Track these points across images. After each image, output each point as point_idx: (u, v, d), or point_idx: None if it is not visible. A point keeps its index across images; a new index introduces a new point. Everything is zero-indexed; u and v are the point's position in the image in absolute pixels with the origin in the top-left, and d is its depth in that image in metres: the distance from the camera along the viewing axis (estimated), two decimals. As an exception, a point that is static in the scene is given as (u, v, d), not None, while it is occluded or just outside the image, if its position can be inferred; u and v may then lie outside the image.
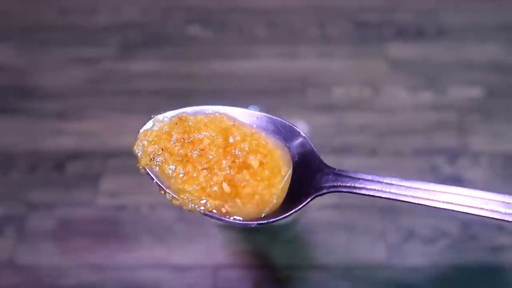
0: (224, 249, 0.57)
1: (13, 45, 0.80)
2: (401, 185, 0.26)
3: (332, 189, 0.28)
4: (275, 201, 0.28)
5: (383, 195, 0.26)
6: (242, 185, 0.28)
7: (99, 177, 0.64)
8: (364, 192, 0.27)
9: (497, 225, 0.58)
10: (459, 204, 0.25)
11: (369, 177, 0.27)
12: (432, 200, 0.26)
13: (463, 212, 0.25)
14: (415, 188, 0.26)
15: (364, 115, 0.70)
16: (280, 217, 0.28)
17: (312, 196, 0.28)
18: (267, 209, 0.28)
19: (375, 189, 0.27)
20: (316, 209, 0.60)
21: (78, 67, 0.77)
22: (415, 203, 0.26)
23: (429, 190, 0.26)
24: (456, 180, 0.62)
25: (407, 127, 0.68)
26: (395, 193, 0.26)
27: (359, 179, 0.27)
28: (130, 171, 0.64)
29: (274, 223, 0.61)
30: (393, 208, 0.60)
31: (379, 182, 0.27)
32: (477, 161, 0.64)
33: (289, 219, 0.60)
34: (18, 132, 0.69)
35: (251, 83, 0.74)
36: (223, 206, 0.27)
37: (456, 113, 0.69)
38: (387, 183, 0.27)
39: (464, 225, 0.58)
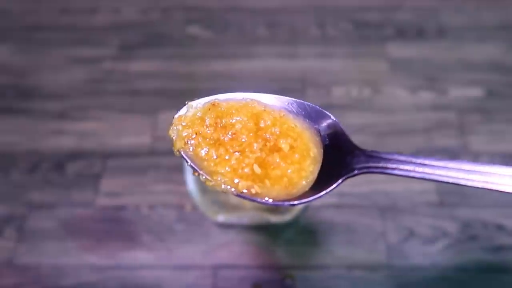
0: (224, 249, 0.57)
1: (13, 45, 0.80)
2: (434, 165, 0.26)
3: (364, 170, 0.28)
4: (304, 183, 0.28)
5: (417, 176, 0.26)
6: (272, 167, 0.28)
7: (99, 177, 0.64)
8: (397, 172, 0.27)
9: (497, 225, 0.58)
10: (495, 183, 0.25)
11: (402, 158, 0.27)
12: (468, 179, 0.25)
13: (500, 191, 0.24)
14: (449, 168, 0.26)
15: (364, 115, 0.70)
16: (311, 198, 0.28)
17: (343, 178, 0.28)
18: (296, 191, 0.28)
19: (408, 170, 0.26)
20: (316, 209, 0.60)
21: (78, 67, 0.77)
22: (450, 182, 0.25)
23: (464, 170, 0.25)
24: (456, 180, 0.62)
25: (407, 127, 0.68)
26: (429, 173, 0.26)
27: (391, 159, 0.27)
28: (130, 171, 0.64)
29: (274, 222, 0.61)
30: (393, 208, 0.60)
31: (411, 162, 0.26)
32: (477, 161, 0.64)
33: (289, 218, 0.60)
34: (18, 132, 0.69)
35: (251, 83, 0.74)
36: (253, 187, 0.27)
37: (456, 113, 0.69)
38: (420, 164, 0.26)
39: (464, 225, 0.58)
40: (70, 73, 0.76)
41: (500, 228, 0.58)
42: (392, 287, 0.54)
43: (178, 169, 0.61)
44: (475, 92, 0.72)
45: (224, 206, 0.58)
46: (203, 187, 0.57)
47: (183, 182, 0.57)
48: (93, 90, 0.74)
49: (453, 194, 0.61)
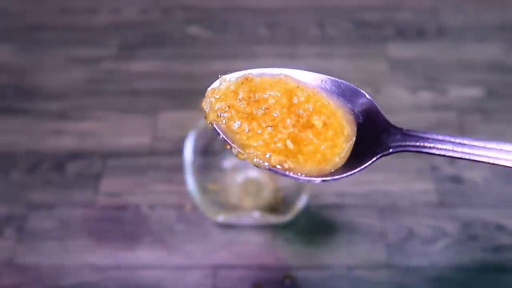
0: (224, 249, 0.57)
1: (13, 45, 0.80)
2: (474, 145, 0.26)
3: (400, 149, 0.27)
4: (337, 159, 0.28)
5: (456, 155, 0.26)
6: (305, 143, 0.28)
7: (99, 177, 0.64)
8: (434, 151, 0.26)
9: (497, 225, 0.58)
10: None
11: (440, 137, 0.27)
12: (508, 160, 0.25)
13: None
14: (489, 148, 0.26)
15: (364, 115, 0.69)
16: (345, 175, 0.27)
17: (378, 156, 0.28)
18: (328, 168, 0.28)
19: (446, 149, 0.26)
20: (316, 209, 0.60)
21: (78, 67, 0.77)
22: (489, 162, 0.25)
23: (504, 150, 0.25)
24: (456, 180, 0.62)
25: (407, 127, 0.68)
26: (468, 153, 0.26)
27: (428, 138, 0.27)
28: (130, 171, 0.64)
29: (274, 222, 0.61)
30: (393, 208, 0.60)
31: (450, 142, 0.26)
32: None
33: (289, 218, 0.60)
34: (18, 132, 0.69)
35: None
36: (286, 162, 0.27)
37: (456, 113, 0.69)
38: (459, 143, 0.26)
39: (464, 225, 0.58)
40: (70, 73, 0.76)
41: (500, 228, 0.58)
42: (392, 287, 0.54)
43: (178, 169, 0.61)
44: (475, 92, 0.72)
45: (224, 206, 0.58)
46: (203, 187, 0.57)
47: (183, 182, 0.57)
48: (93, 90, 0.74)
49: (453, 194, 0.61)
